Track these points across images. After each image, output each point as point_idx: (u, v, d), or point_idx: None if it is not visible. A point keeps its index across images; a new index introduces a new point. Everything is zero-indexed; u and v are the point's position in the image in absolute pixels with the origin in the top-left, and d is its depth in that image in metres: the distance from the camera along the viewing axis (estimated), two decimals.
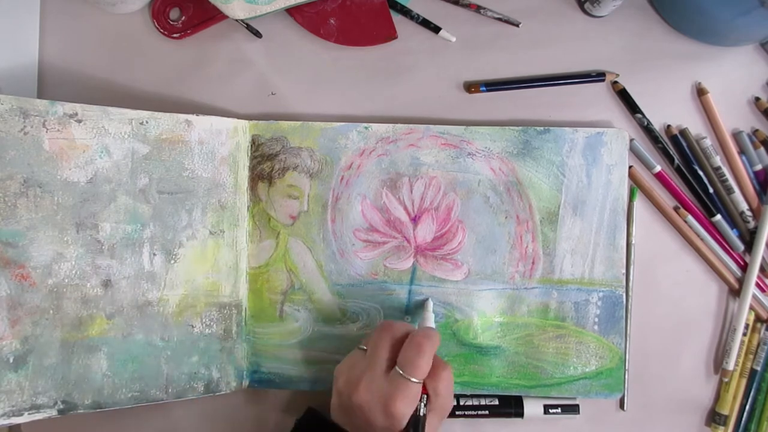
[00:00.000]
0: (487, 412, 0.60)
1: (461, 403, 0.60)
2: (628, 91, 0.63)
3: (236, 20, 0.60)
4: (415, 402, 0.49)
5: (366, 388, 0.49)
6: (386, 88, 0.63)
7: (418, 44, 0.63)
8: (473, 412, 0.60)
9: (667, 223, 0.63)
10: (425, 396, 0.50)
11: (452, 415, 0.59)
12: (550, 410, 0.60)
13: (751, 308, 0.62)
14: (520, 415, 0.60)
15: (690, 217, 0.62)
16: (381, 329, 0.52)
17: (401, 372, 0.49)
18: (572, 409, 0.60)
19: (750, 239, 0.62)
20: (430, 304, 0.59)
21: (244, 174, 0.60)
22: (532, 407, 0.60)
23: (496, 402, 0.60)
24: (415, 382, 0.49)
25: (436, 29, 0.63)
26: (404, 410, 0.48)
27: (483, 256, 0.60)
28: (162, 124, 0.56)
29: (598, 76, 0.63)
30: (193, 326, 0.57)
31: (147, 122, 0.56)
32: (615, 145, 0.60)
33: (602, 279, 0.60)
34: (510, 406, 0.60)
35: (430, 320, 0.58)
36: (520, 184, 0.60)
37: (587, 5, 0.62)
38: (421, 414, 0.49)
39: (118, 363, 0.54)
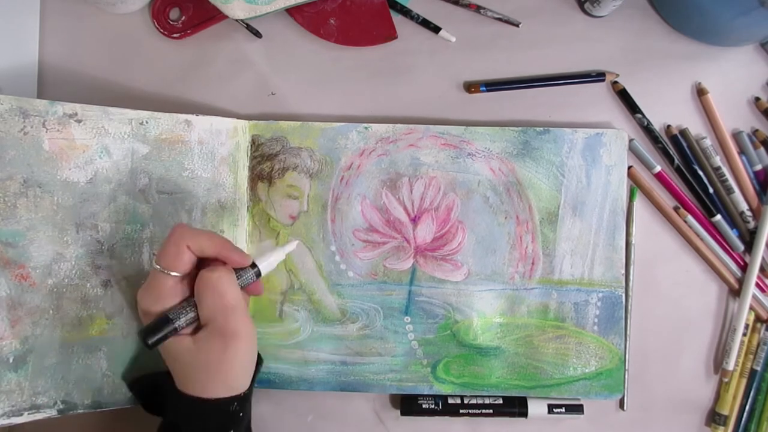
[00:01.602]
0: (491, 411, 0.60)
1: (465, 401, 0.60)
2: (628, 91, 0.63)
3: (236, 20, 0.60)
4: (162, 297, 0.46)
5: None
6: (386, 88, 0.63)
7: (418, 44, 0.63)
8: (477, 411, 0.60)
9: (667, 223, 0.63)
10: (191, 301, 0.46)
11: (456, 413, 0.59)
12: (554, 410, 0.60)
13: (751, 308, 0.62)
14: (524, 414, 0.60)
15: (690, 217, 0.61)
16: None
17: (154, 261, 0.47)
18: (576, 409, 0.60)
19: (750, 239, 0.62)
20: (291, 245, 0.53)
21: (243, 174, 0.60)
22: (536, 407, 0.60)
23: (500, 401, 0.60)
24: (159, 270, 0.46)
25: (436, 29, 0.63)
26: (144, 302, 0.46)
27: (483, 256, 0.60)
28: (162, 124, 0.56)
29: (598, 76, 0.62)
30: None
31: (147, 122, 0.56)
32: (614, 145, 0.60)
33: (602, 279, 0.60)
34: (514, 406, 0.60)
35: (269, 258, 0.51)
36: (520, 185, 0.60)
37: (587, 5, 0.62)
38: (171, 316, 0.45)
39: (118, 363, 0.54)
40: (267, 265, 0.51)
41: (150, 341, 0.44)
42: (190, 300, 0.47)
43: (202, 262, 0.49)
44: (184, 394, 0.46)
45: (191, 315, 0.46)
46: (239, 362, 0.47)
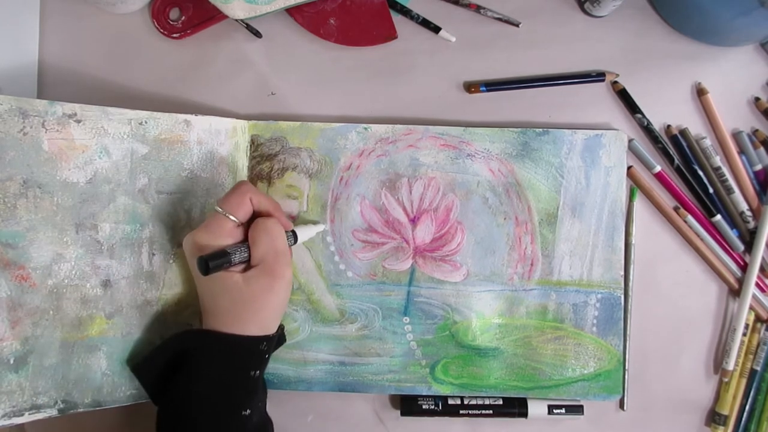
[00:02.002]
0: (491, 411, 0.60)
1: (465, 402, 0.60)
2: (628, 91, 0.62)
3: (236, 20, 0.60)
4: (219, 237, 0.50)
5: (190, 232, 0.52)
6: (386, 88, 0.63)
7: (418, 44, 0.63)
8: (477, 412, 0.60)
9: (667, 223, 0.62)
10: (245, 244, 0.51)
11: (456, 414, 0.60)
12: (554, 410, 0.60)
13: (751, 308, 0.61)
14: (524, 415, 0.60)
15: (690, 217, 0.61)
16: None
17: (216, 206, 0.51)
18: (576, 409, 0.60)
19: (750, 239, 0.62)
20: (321, 226, 0.60)
21: (243, 174, 0.60)
22: (536, 407, 0.60)
23: (500, 402, 0.60)
24: (222, 213, 0.50)
25: (436, 29, 0.63)
26: (206, 240, 0.50)
27: (482, 257, 0.60)
28: (161, 124, 0.56)
29: (598, 76, 0.62)
30: (192, 325, 0.57)
31: (146, 122, 0.56)
32: (613, 146, 0.60)
33: (601, 281, 0.60)
34: (514, 406, 0.60)
35: (308, 229, 0.58)
36: (519, 186, 0.60)
37: (587, 5, 0.62)
38: (229, 251, 0.49)
39: (118, 362, 0.54)
40: (302, 235, 0.57)
41: (211, 265, 0.47)
42: (244, 242, 0.51)
43: (254, 217, 0.53)
44: (217, 332, 0.50)
45: (245, 255, 0.50)
46: (278, 302, 0.51)
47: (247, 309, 0.50)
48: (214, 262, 0.48)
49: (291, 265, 0.53)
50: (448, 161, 0.60)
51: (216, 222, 0.50)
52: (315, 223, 0.60)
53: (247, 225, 0.52)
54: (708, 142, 0.62)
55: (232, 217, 0.50)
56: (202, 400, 0.49)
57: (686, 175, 0.62)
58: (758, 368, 0.61)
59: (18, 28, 0.61)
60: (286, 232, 0.53)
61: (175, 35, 0.62)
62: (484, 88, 0.62)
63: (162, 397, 0.52)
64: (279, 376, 0.59)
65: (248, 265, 0.51)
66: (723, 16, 0.57)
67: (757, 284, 0.61)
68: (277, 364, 0.59)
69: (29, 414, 0.51)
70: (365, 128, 0.60)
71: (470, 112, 0.63)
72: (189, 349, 0.51)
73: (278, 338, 0.55)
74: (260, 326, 0.51)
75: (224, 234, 0.50)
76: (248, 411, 0.50)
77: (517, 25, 0.63)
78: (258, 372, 0.52)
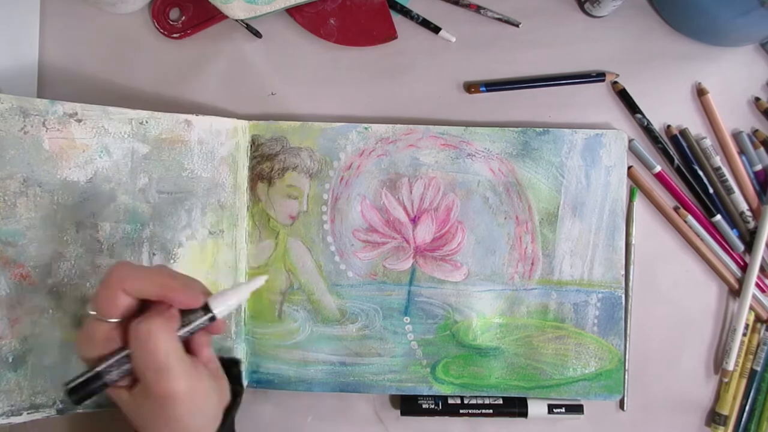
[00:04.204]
0: (491, 411, 0.60)
1: (465, 401, 0.60)
2: (628, 91, 0.63)
3: (236, 20, 0.60)
4: (95, 346, 0.40)
5: None
6: (386, 88, 0.63)
7: (418, 44, 0.63)
8: (477, 411, 0.59)
9: (667, 223, 0.62)
10: (124, 351, 0.40)
11: (456, 413, 0.59)
12: (554, 410, 0.60)
13: (751, 308, 0.61)
14: (524, 414, 0.60)
15: (690, 218, 0.61)
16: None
17: (88, 308, 0.41)
18: (576, 409, 0.60)
19: (750, 239, 0.62)
20: (258, 281, 0.45)
21: (243, 174, 0.60)
22: (536, 407, 0.60)
23: (500, 401, 0.60)
24: (94, 315, 0.40)
25: (436, 29, 0.63)
26: (83, 353, 0.40)
27: (482, 256, 0.60)
28: (162, 124, 0.56)
29: (598, 77, 0.62)
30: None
31: (147, 122, 0.56)
32: (614, 146, 0.60)
33: (601, 280, 0.60)
34: (514, 406, 0.60)
35: (227, 299, 0.43)
36: (520, 185, 0.60)
37: (587, 5, 0.62)
38: (101, 368, 0.40)
39: None
40: (225, 308, 0.43)
41: (74, 398, 0.39)
42: (124, 348, 0.41)
43: (148, 303, 0.42)
44: None
45: (125, 367, 0.40)
46: (183, 424, 0.40)
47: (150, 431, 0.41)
48: (78, 394, 0.39)
49: (190, 370, 0.40)
50: (449, 161, 0.60)
51: (89, 327, 0.40)
52: (249, 280, 0.46)
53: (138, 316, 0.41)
54: (708, 142, 0.62)
55: (107, 320, 0.40)
56: None
57: (686, 175, 0.62)
58: (758, 368, 0.61)
59: (18, 28, 0.61)
60: (193, 312, 0.42)
61: (175, 35, 0.62)
62: (484, 89, 0.62)
63: None
64: (279, 376, 0.59)
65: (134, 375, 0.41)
66: (723, 16, 0.57)
67: (757, 284, 0.61)
68: (278, 364, 0.59)
69: (28, 413, 0.51)
70: (365, 128, 0.60)
71: (470, 112, 0.63)
72: None
73: (234, 406, 0.46)
74: None
75: (100, 342, 0.40)
76: None
77: (517, 25, 0.63)
78: None
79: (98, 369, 0.40)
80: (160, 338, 0.39)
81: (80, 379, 0.39)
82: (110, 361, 0.40)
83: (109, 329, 0.40)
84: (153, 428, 0.41)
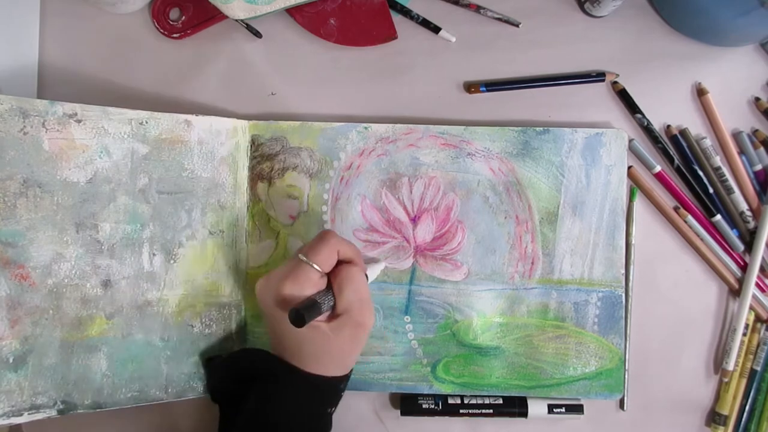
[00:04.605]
0: (491, 411, 0.60)
1: (465, 401, 0.60)
2: (628, 91, 0.63)
3: (236, 20, 0.60)
4: (307, 287, 0.49)
5: (266, 277, 0.51)
6: (386, 88, 0.63)
7: (418, 44, 0.63)
8: (477, 411, 0.59)
9: (667, 223, 0.62)
10: (330, 293, 0.50)
11: (456, 413, 0.59)
12: (554, 410, 0.60)
13: (751, 308, 0.61)
14: (524, 414, 0.60)
15: (690, 217, 0.61)
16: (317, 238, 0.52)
17: (300, 255, 0.50)
18: (576, 408, 0.60)
19: (750, 239, 0.62)
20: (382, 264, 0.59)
21: (243, 174, 0.60)
22: (536, 407, 0.60)
23: (500, 401, 0.60)
24: (310, 264, 0.49)
25: (436, 29, 0.63)
26: (291, 290, 0.49)
27: (482, 256, 0.60)
28: (162, 124, 0.56)
29: (598, 76, 0.62)
30: (192, 326, 0.57)
31: (147, 122, 0.56)
32: (614, 145, 0.60)
33: (601, 279, 0.60)
34: (514, 406, 0.60)
35: (374, 268, 0.57)
36: (520, 185, 0.60)
37: (587, 5, 0.62)
38: (318, 300, 0.48)
39: (118, 363, 0.54)
40: (371, 275, 0.56)
41: (307, 318, 0.47)
42: (329, 290, 0.50)
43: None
44: (304, 373, 0.50)
45: (331, 304, 0.50)
46: (359, 348, 0.52)
47: (333, 357, 0.51)
48: (308, 314, 0.47)
49: (373, 312, 0.52)
50: (449, 160, 0.60)
51: (302, 273, 0.49)
52: (376, 261, 0.59)
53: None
54: (708, 142, 0.62)
55: (317, 268, 0.49)
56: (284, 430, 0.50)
57: (686, 175, 0.62)
58: (758, 368, 0.61)
59: (18, 28, 0.61)
60: None
61: (175, 35, 0.62)
62: (484, 89, 0.62)
63: (235, 419, 0.53)
64: None
65: (332, 312, 0.51)
66: (723, 16, 0.57)
67: (757, 284, 0.61)
68: None
69: (28, 414, 0.50)
70: (365, 128, 0.60)
71: (470, 112, 0.63)
72: (271, 377, 0.51)
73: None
74: (342, 369, 0.52)
75: (310, 285, 0.49)
76: None
77: (517, 25, 0.63)
78: (333, 408, 0.53)
79: (317, 299, 0.48)
80: (365, 280, 0.52)
81: (305, 306, 0.47)
82: (322, 295, 0.49)
83: (319, 276, 0.50)
84: (342, 352, 0.51)
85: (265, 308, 0.51)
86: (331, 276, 0.51)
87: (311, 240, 0.51)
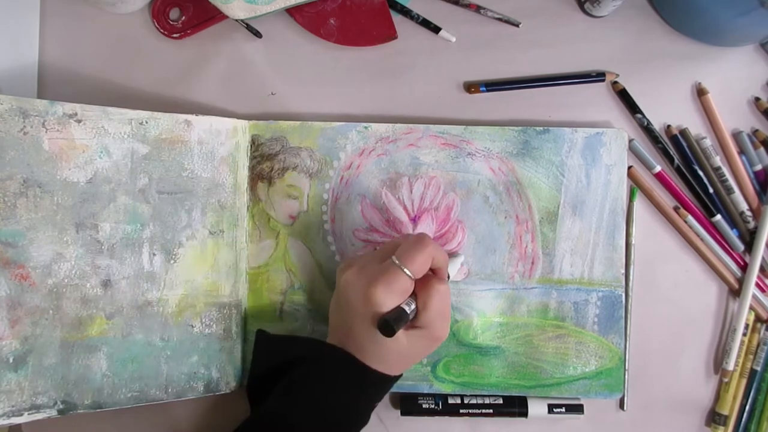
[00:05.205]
0: (491, 411, 0.60)
1: (465, 401, 0.60)
2: (628, 91, 0.63)
3: (236, 20, 0.60)
4: (398, 295, 0.48)
5: (358, 270, 0.50)
6: (386, 88, 0.63)
7: (418, 44, 0.63)
8: (477, 411, 0.59)
9: (667, 223, 0.62)
10: (414, 302, 0.49)
11: (456, 413, 0.59)
12: (554, 410, 0.60)
13: (751, 308, 0.61)
14: (524, 414, 0.60)
15: (690, 217, 0.61)
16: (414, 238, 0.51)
17: (395, 260, 0.49)
18: (576, 408, 0.60)
19: (750, 239, 0.62)
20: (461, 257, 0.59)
21: (243, 174, 0.60)
22: (536, 407, 0.60)
23: (500, 401, 0.60)
24: (405, 272, 0.48)
25: (436, 29, 0.63)
26: (383, 297, 0.48)
27: (482, 256, 0.60)
28: (161, 124, 0.56)
29: (598, 76, 0.62)
30: (192, 326, 0.57)
31: (146, 122, 0.56)
32: (614, 145, 0.60)
33: (602, 279, 0.60)
34: (514, 406, 0.60)
35: (455, 263, 0.57)
36: (520, 184, 0.60)
37: (587, 5, 0.62)
38: (407, 311, 0.48)
39: (118, 363, 0.54)
40: (452, 271, 0.56)
41: (396, 329, 0.47)
42: (413, 299, 0.50)
43: None
44: (366, 366, 0.50)
45: (414, 312, 0.50)
46: (426, 355, 0.54)
47: (399, 361, 0.51)
48: (398, 326, 0.47)
49: (449, 324, 0.53)
50: (449, 160, 0.60)
51: (396, 279, 0.48)
52: (455, 255, 0.59)
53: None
54: (708, 142, 0.62)
55: (411, 275, 0.49)
56: (324, 416, 0.51)
57: (686, 175, 0.62)
58: (758, 368, 0.61)
59: (18, 28, 0.61)
60: None
61: (175, 35, 0.62)
62: (484, 88, 0.62)
63: (275, 393, 0.53)
64: None
65: (412, 321, 0.50)
66: (723, 16, 0.57)
67: (757, 284, 0.61)
68: None
69: (28, 414, 0.50)
70: (365, 127, 0.60)
71: (470, 112, 0.63)
72: (332, 366, 0.52)
73: None
74: (402, 371, 0.53)
75: (401, 292, 0.49)
76: None
77: (517, 25, 0.63)
78: (378, 402, 0.54)
79: (407, 311, 0.48)
80: (449, 298, 0.52)
81: (395, 317, 0.47)
82: (412, 306, 0.49)
83: (411, 283, 0.49)
84: (413, 358, 0.53)
85: (346, 302, 0.50)
86: (417, 283, 0.50)
87: (406, 243, 0.50)
